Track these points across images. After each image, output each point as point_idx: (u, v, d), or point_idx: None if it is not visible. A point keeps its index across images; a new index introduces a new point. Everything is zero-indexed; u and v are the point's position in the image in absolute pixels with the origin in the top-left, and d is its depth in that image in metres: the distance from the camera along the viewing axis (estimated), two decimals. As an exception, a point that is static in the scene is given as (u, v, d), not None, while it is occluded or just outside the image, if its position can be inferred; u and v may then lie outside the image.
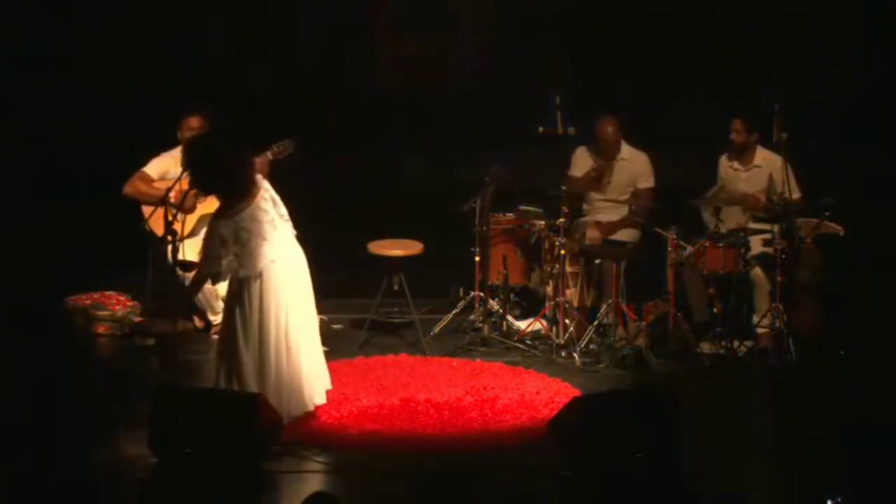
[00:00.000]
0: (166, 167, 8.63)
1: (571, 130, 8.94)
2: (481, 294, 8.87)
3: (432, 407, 7.36)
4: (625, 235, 8.99)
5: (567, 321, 8.48)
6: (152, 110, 9.81)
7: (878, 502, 6.18)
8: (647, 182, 9.02)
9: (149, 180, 8.68)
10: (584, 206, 9.20)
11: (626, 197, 9.02)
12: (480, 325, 8.84)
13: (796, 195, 8.60)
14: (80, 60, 9.92)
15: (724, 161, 8.95)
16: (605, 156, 9.05)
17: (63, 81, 9.88)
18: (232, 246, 6.85)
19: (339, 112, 10.30)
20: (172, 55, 10.21)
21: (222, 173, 6.88)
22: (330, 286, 9.49)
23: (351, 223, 9.62)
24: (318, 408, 7.14)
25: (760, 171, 8.81)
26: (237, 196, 6.89)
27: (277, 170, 8.78)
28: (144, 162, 8.76)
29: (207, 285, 8.64)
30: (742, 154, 8.84)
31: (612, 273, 8.51)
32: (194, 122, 8.70)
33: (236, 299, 6.93)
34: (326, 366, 7.24)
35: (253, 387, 6.80)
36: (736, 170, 8.88)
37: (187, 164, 7.05)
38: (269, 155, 8.71)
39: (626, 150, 9.04)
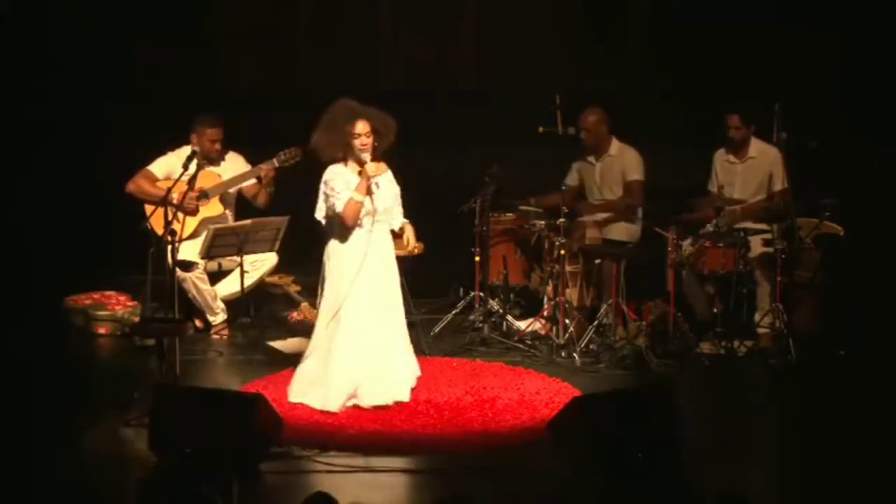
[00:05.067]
0: (172, 167, 8.62)
1: (571, 130, 8.95)
2: (481, 294, 8.87)
3: (432, 407, 7.36)
4: (624, 234, 8.99)
5: (567, 321, 8.48)
6: (153, 109, 9.83)
7: (877, 501, 6.20)
8: (634, 174, 9.00)
9: (153, 179, 8.67)
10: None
11: (619, 195, 9.02)
12: (480, 325, 8.83)
13: (782, 187, 8.64)
14: (79, 60, 9.93)
15: (720, 155, 8.95)
16: (590, 149, 9.05)
17: (62, 80, 9.88)
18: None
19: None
20: (173, 54, 10.23)
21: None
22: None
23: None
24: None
25: (755, 162, 8.82)
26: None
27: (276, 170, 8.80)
28: (149, 160, 8.77)
29: (206, 286, 8.68)
30: (739, 147, 8.85)
31: (612, 273, 8.51)
32: (215, 135, 8.69)
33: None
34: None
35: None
36: (732, 163, 8.90)
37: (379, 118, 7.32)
38: (275, 162, 8.72)
39: (615, 147, 9.04)
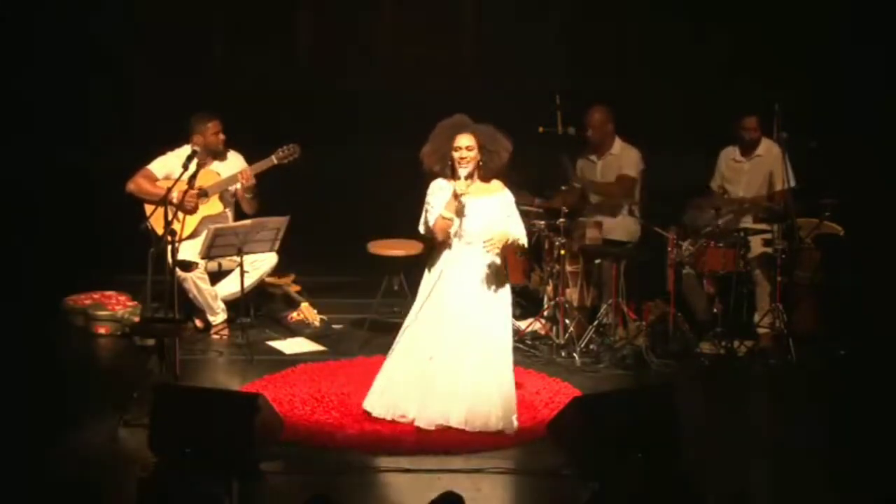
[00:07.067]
0: (171, 167, 8.62)
1: (571, 130, 8.95)
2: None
3: (432, 407, 7.35)
4: (624, 234, 8.99)
5: (567, 321, 8.48)
6: (153, 110, 9.83)
7: (876, 500, 6.20)
8: (626, 170, 8.98)
9: (153, 178, 8.67)
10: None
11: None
12: (480, 325, 8.81)
13: (782, 186, 8.64)
14: (79, 59, 9.93)
15: (726, 153, 8.95)
16: (594, 147, 9.06)
17: (63, 80, 9.89)
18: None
19: (339, 112, 10.29)
20: (173, 54, 10.23)
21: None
22: (330, 286, 9.55)
23: (351, 223, 9.61)
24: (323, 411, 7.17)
25: (762, 160, 8.85)
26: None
27: (276, 170, 8.80)
28: (149, 160, 8.77)
29: (206, 286, 8.68)
30: (751, 147, 8.86)
31: (612, 273, 8.51)
32: (217, 126, 8.70)
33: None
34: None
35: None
36: (738, 161, 8.91)
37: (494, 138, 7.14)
38: (273, 159, 8.71)
39: (618, 145, 9.06)
